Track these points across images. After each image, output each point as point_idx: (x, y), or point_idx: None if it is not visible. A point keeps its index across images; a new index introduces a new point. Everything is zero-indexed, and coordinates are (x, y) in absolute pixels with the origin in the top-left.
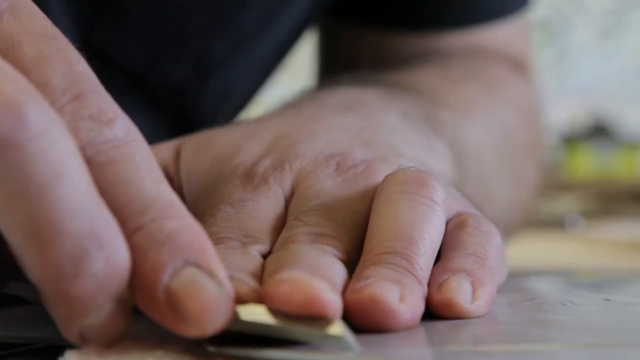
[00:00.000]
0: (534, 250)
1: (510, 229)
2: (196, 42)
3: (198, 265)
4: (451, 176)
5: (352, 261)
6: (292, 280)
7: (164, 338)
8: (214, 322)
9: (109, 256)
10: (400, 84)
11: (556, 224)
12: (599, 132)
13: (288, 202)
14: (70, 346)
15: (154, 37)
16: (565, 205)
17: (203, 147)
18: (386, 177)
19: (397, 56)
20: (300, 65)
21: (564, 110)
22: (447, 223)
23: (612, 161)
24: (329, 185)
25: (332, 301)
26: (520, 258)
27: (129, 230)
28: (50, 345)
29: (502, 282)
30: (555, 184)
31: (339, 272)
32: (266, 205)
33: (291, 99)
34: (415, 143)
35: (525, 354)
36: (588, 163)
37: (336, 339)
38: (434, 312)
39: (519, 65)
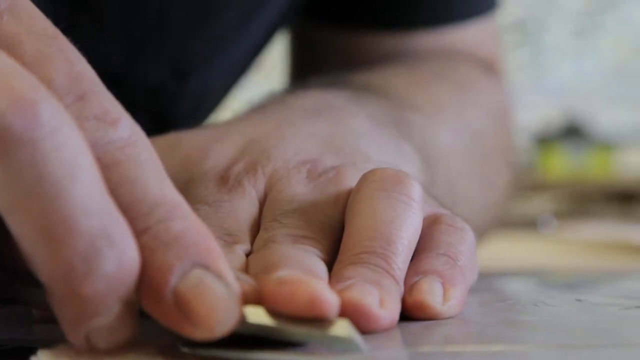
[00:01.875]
0: (506, 251)
1: (481, 231)
2: (173, 43)
3: (206, 267)
4: (420, 180)
5: (331, 264)
6: (293, 281)
7: (136, 340)
8: (223, 324)
9: (121, 256)
10: (370, 86)
11: (529, 225)
12: (572, 132)
13: (262, 204)
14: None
15: (132, 38)
16: (539, 205)
17: (172, 149)
18: (364, 175)
19: (368, 57)
20: (272, 65)
21: (538, 111)
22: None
23: (585, 161)
24: (302, 191)
25: (333, 302)
26: (493, 258)
27: (136, 231)
28: (21, 347)
29: (474, 281)
30: (528, 184)
31: (324, 272)
32: (242, 206)
33: (259, 102)
34: (383, 147)
35: (498, 355)
36: (561, 163)
37: (345, 340)
38: (406, 314)
39: (489, 67)
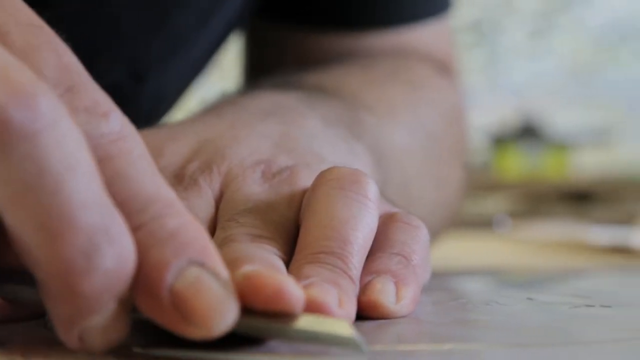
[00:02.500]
0: (461, 250)
1: (435, 231)
2: (131, 43)
3: (202, 264)
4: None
5: (287, 263)
6: (259, 275)
7: None
8: (221, 323)
9: (119, 253)
10: (323, 87)
11: (484, 224)
12: (528, 132)
13: (217, 203)
14: None
15: (88, 39)
16: (494, 205)
17: None
18: (321, 173)
19: (322, 56)
20: (229, 65)
21: (494, 111)
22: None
23: (541, 161)
24: (257, 191)
25: (299, 296)
26: (448, 258)
27: (130, 227)
28: None
29: (426, 279)
30: (484, 184)
31: (284, 270)
32: (199, 205)
33: (212, 103)
34: (336, 148)
35: (449, 354)
36: (517, 163)
37: (347, 340)
38: (360, 313)
39: (443, 67)
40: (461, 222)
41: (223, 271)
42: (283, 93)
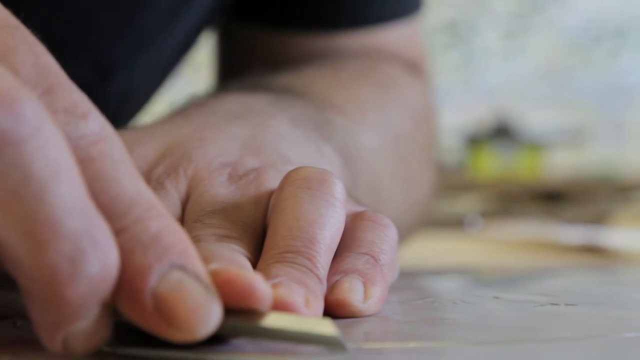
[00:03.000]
0: (433, 250)
1: (406, 231)
2: (97, 41)
3: (184, 268)
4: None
5: (254, 264)
6: (227, 271)
7: None
8: (204, 326)
9: (104, 258)
10: (292, 88)
11: (456, 224)
12: (501, 132)
13: (184, 206)
14: None
15: (54, 36)
16: (467, 205)
17: None
18: (288, 174)
19: (292, 57)
20: (200, 66)
21: (468, 111)
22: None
23: (514, 161)
24: (224, 192)
25: (267, 293)
26: (420, 258)
27: (113, 231)
28: None
29: (394, 278)
30: (459, 184)
31: (251, 269)
32: (165, 209)
33: (180, 105)
34: (304, 149)
35: (414, 352)
36: (491, 163)
37: (330, 339)
38: (328, 312)
39: (414, 67)
40: (434, 222)
41: (205, 274)
42: (252, 95)
